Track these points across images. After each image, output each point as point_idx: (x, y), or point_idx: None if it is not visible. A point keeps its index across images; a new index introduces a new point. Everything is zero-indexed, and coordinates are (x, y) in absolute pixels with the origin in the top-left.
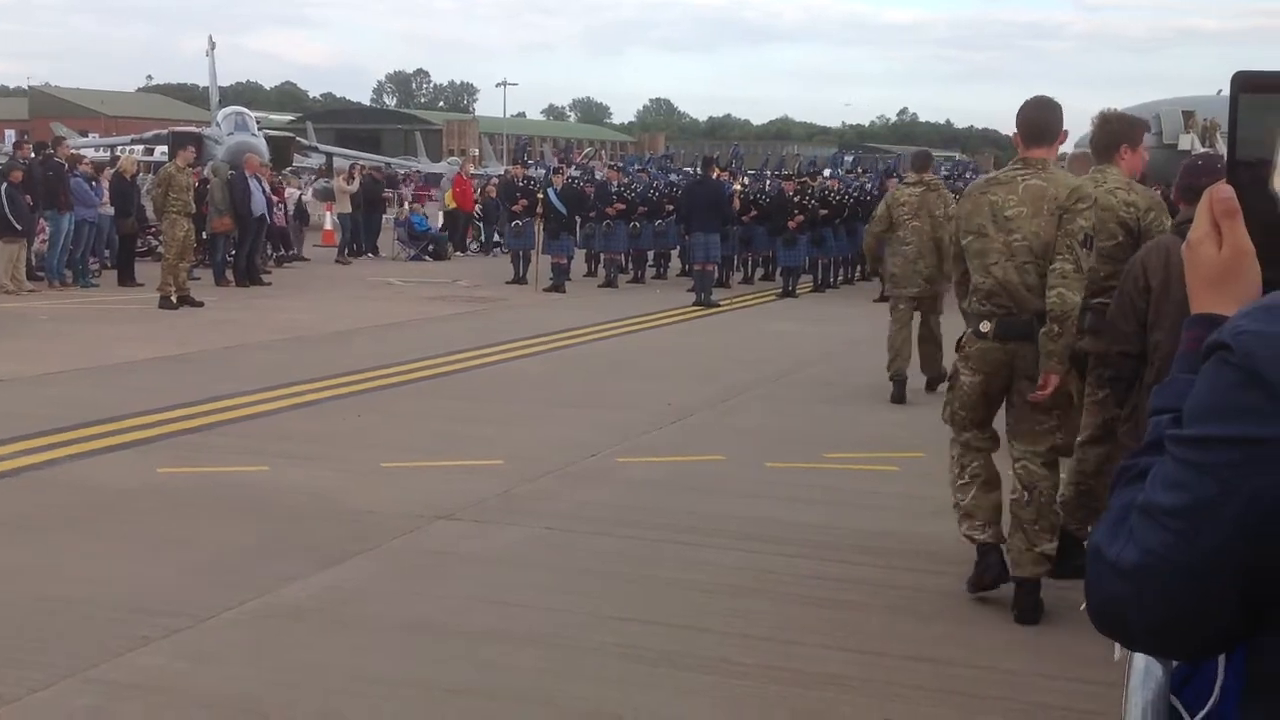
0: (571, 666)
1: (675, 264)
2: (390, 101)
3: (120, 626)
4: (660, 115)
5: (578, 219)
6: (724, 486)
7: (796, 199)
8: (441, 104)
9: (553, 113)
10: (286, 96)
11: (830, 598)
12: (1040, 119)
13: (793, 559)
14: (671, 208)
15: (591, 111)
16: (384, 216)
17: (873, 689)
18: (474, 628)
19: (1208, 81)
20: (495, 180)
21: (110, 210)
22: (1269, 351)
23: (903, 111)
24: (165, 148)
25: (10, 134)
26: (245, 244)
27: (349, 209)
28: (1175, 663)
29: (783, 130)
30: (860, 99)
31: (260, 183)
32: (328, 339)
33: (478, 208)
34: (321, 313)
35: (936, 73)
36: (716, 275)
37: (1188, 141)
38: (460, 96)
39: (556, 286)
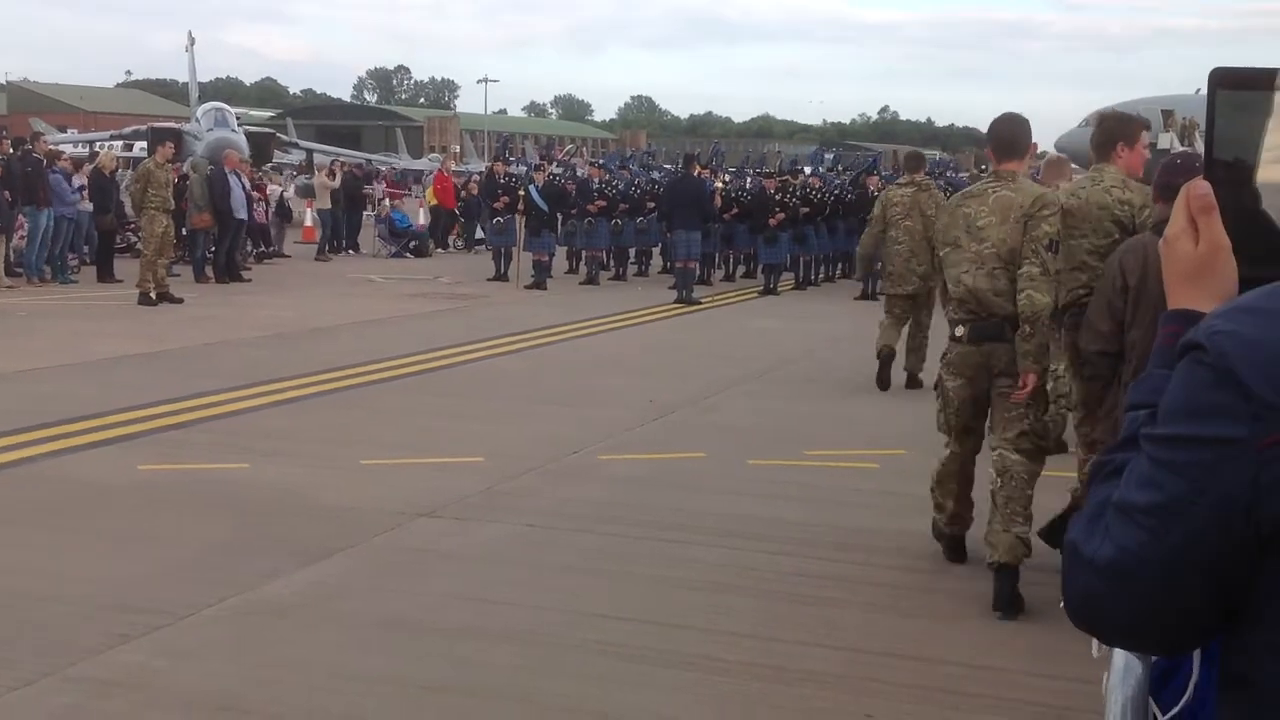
0: (551, 664)
1: (657, 261)
2: (371, 98)
3: (100, 624)
4: (642, 112)
5: (559, 216)
6: (705, 484)
7: (778, 196)
8: (422, 100)
9: (534, 110)
10: (266, 92)
11: (811, 594)
12: (1010, 135)
13: (774, 556)
14: (653, 205)
15: (573, 109)
16: (365, 213)
17: (854, 686)
18: (454, 625)
19: (1186, 81)
20: (476, 177)
21: (89, 206)
22: (1242, 352)
23: (884, 109)
24: (144, 144)
25: None
26: (225, 240)
27: (329, 205)
28: (1154, 659)
29: (764, 128)
30: (841, 97)
31: (240, 179)
32: (308, 336)
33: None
34: (302, 309)
35: (917, 71)
36: (698, 273)
37: (1166, 140)
38: (441, 93)
39: (538, 284)
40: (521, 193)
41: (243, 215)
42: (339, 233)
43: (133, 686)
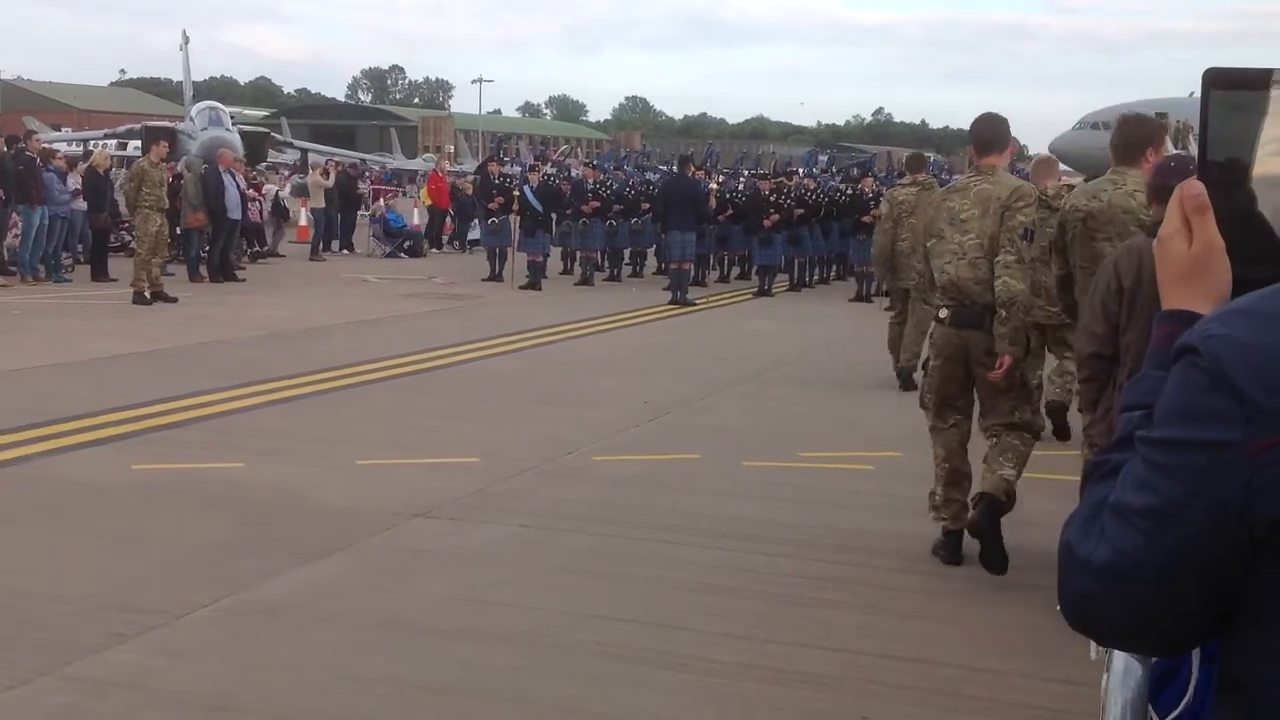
0: (549, 665)
1: (651, 262)
2: (365, 97)
3: (96, 623)
4: (636, 113)
5: (554, 217)
6: (701, 485)
7: (772, 198)
8: (417, 100)
9: (529, 110)
10: (261, 92)
11: (808, 596)
12: (990, 132)
13: (770, 558)
14: (648, 206)
15: (568, 109)
16: (359, 213)
17: (852, 687)
18: (450, 626)
19: (1179, 83)
20: (471, 177)
21: (83, 205)
22: (1236, 356)
23: (878, 111)
24: (138, 142)
25: None
26: (219, 240)
27: (324, 205)
28: (1155, 660)
29: (758, 129)
30: (835, 99)
31: (234, 178)
32: (303, 335)
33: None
34: (296, 309)
35: (912, 73)
36: (692, 274)
37: None
38: (436, 93)
39: (532, 284)
40: (516, 193)
41: (237, 215)
42: (333, 232)
43: (129, 686)
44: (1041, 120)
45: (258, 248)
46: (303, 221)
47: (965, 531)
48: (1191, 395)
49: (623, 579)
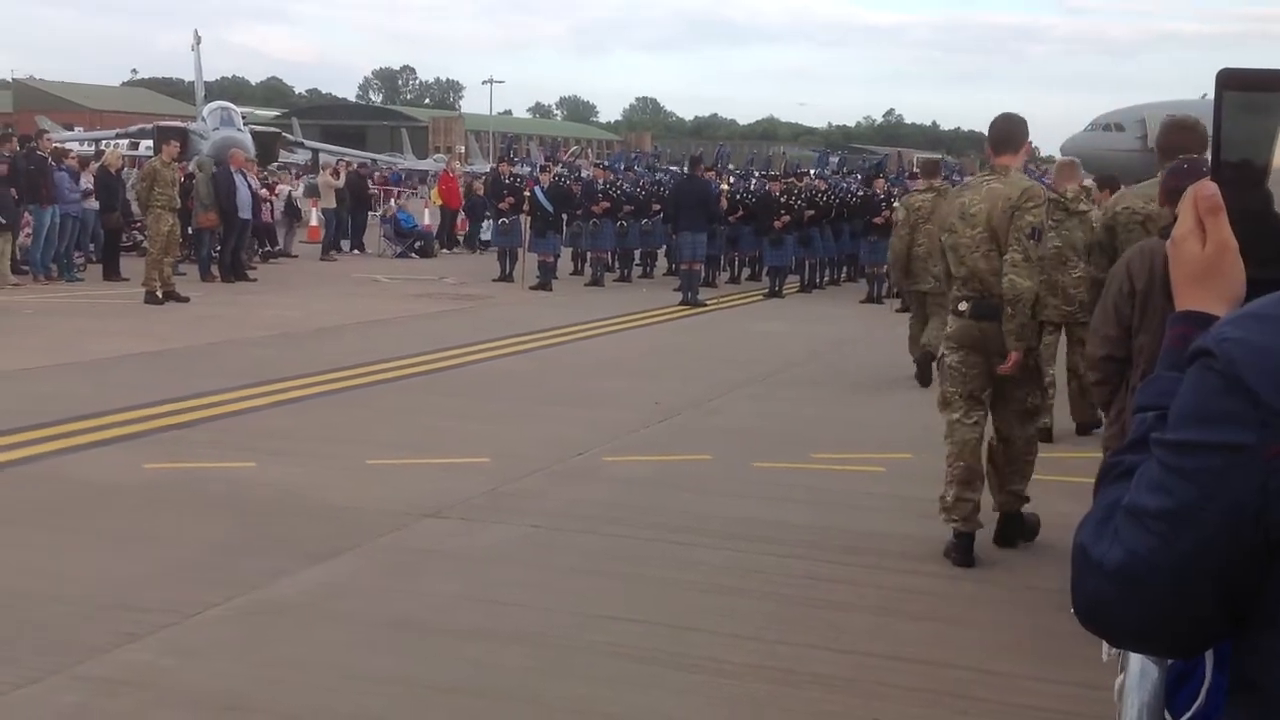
0: (560, 665)
1: (662, 263)
2: (376, 98)
3: (107, 623)
4: (646, 114)
5: (564, 217)
6: (711, 486)
7: (783, 199)
8: (427, 101)
9: (539, 111)
10: (272, 92)
11: (818, 597)
12: (1006, 131)
13: (781, 559)
14: (658, 207)
15: (578, 110)
16: (370, 214)
17: (861, 689)
18: (461, 626)
19: (1186, 84)
20: (480, 177)
21: (95, 205)
22: (1251, 359)
23: (889, 113)
24: (150, 142)
25: None
26: (230, 239)
27: (334, 205)
28: (1170, 662)
29: (769, 130)
30: (846, 100)
31: (246, 178)
32: (313, 335)
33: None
34: (307, 309)
35: (923, 74)
36: (703, 275)
37: None
38: (446, 94)
39: (543, 285)
40: (527, 193)
41: (248, 215)
42: (344, 232)
43: (140, 685)
44: (1051, 122)
45: (269, 247)
46: (314, 222)
47: (975, 535)
48: (1206, 398)
49: (634, 580)
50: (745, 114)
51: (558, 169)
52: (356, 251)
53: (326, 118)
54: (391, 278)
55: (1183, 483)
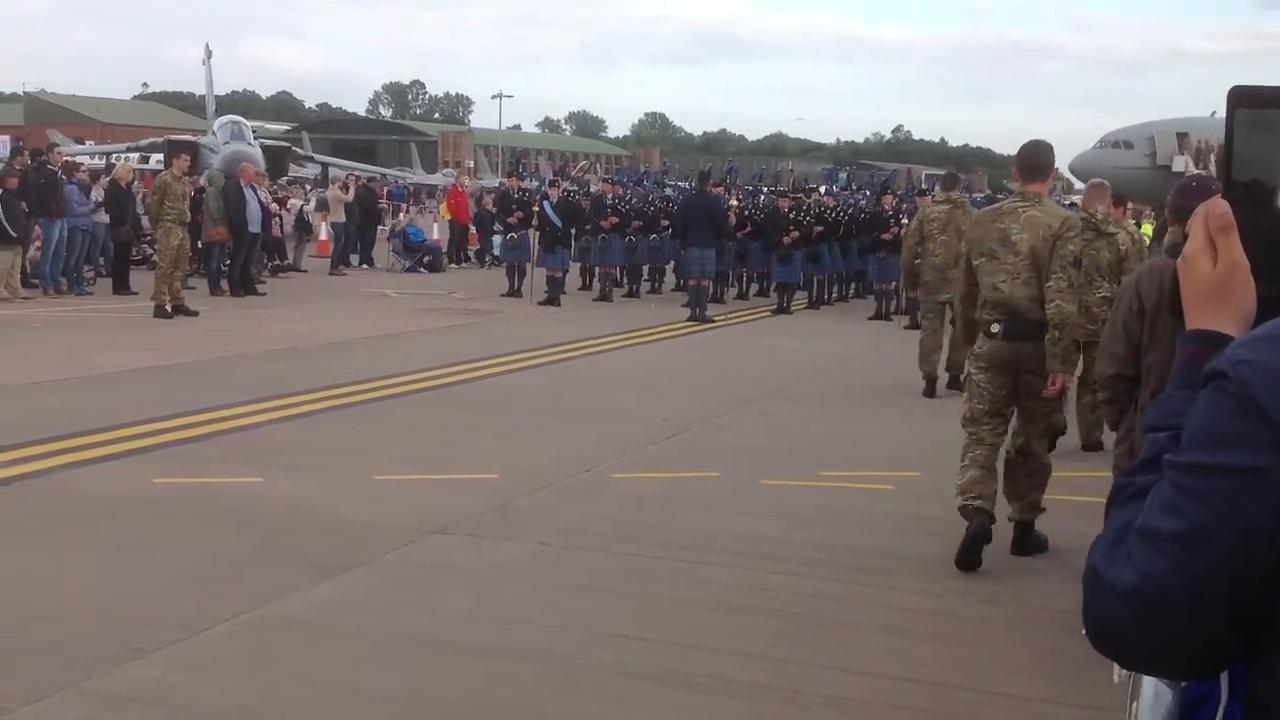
0: (568, 683)
1: (670, 279)
2: (386, 112)
3: (115, 638)
4: (655, 129)
5: (573, 232)
6: (720, 503)
7: (791, 215)
8: (437, 115)
9: (548, 125)
10: (282, 106)
11: (827, 616)
12: (1035, 159)
13: (789, 577)
14: (667, 222)
15: (587, 125)
16: (379, 227)
17: (870, 710)
18: (469, 643)
19: (1196, 102)
20: (491, 192)
21: (105, 218)
22: (1266, 381)
23: (897, 128)
24: (161, 155)
25: (5, 140)
26: (240, 253)
27: (344, 219)
28: (1184, 685)
29: (777, 146)
30: (854, 115)
31: (256, 192)
32: (323, 350)
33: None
34: (316, 323)
35: (931, 91)
36: (711, 290)
37: (1181, 163)
38: (456, 108)
39: (551, 300)
40: (536, 208)
41: (257, 229)
42: (353, 247)
43: (148, 702)
44: (1061, 139)
45: (278, 261)
46: (323, 236)
47: (988, 533)
48: (1220, 420)
49: (642, 597)
50: (754, 129)
51: (566, 184)
52: (365, 266)
53: (336, 132)
54: (400, 292)
55: (1196, 505)
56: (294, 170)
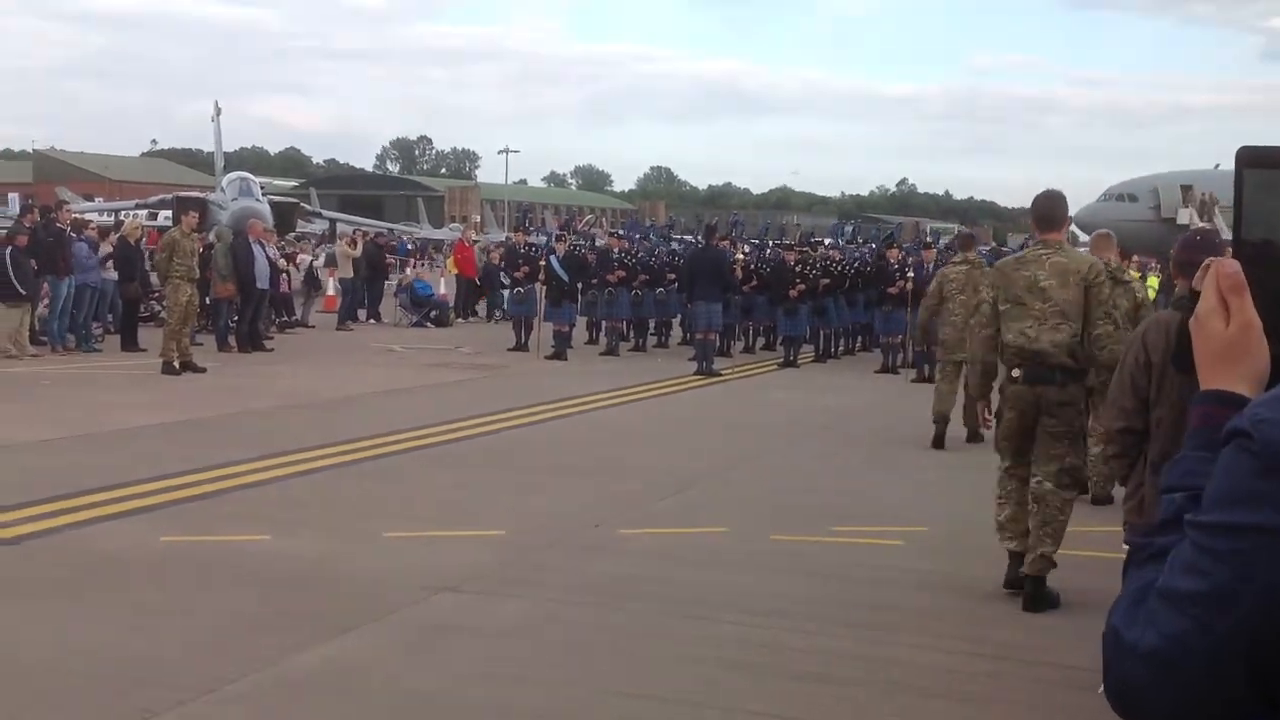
0: None
1: (677, 332)
2: (393, 168)
3: (123, 698)
4: (661, 183)
5: (579, 286)
6: (728, 559)
7: (798, 268)
8: (444, 170)
9: (554, 180)
10: (290, 162)
11: (836, 674)
12: (1051, 210)
13: (798, 634)
14: (673, 276)
15: (593, 179)
16: (386, 282)
17: None
18: (478, 702)
19: (1202, 154)
20: (497, 247)
21: (113, 274)
22: None
23: (902, 182)
24: (169, 212)
25: (14, 197)
26: (248, 310)
27: (351, 274)
28: None
29: (782, 199)
30: (859, 169)
31: (264, 248)
32: (330, 405)
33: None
34: (324, 379)
35: (935, 145)
36: (718, 344)
37: (1186, 215)
38: (463, 163)
39: (558, 354)
40: (542, 263)
41: (265, 285)
42: (360, 302)
43: None
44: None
45: (286, 317)
46: (330, 291)
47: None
48: (1242, 479)
49: (650, 656)
50: (758, 183)
51: (573, 238)
52: (373, 321)
53: (344, 187)
54: (407, 347)
55: (1218, 565)
56: (302, 226)
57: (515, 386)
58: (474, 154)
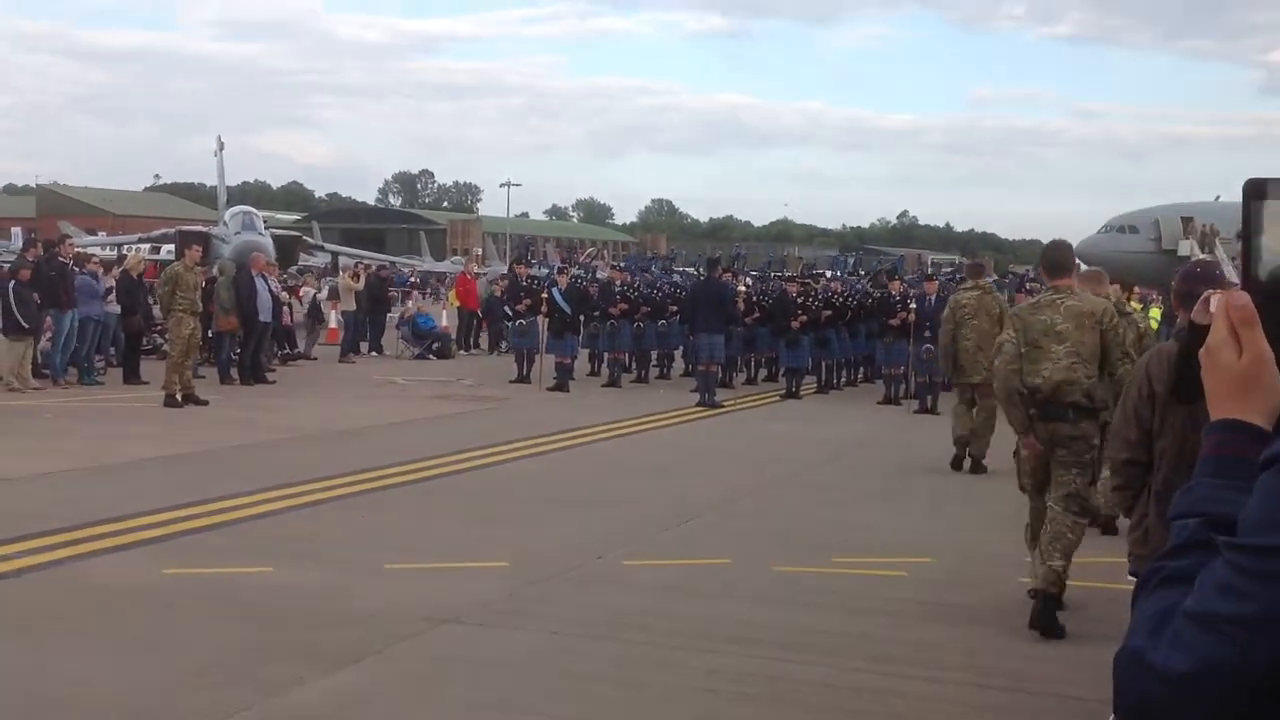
0: None
1: (679, 364)
2: (395, 201)
3: None
4: (662, 216)
5: (582, 318)
6: (731, 590)
7: (800, 300)
8: (446, 204)
9: (556, 213)
10: (293, 196)
11: (840, 706)
12: (1059, 258)
13: (801, 665)
14: (675, 308)
15: (594, 212)
16: (388, 315)
17: None
18: None
19: (1202, 186)
20: (501, 279)
21: (116, 308)
22: None
23: (902, 214)
24: (172, 246)
25: (18, 232)
26: (250, 342)
27: (354, 307)
28: None
29: (783, 232)
30: (860, 201)
31: (266, 281)
32: (332, 438)
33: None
34: (326, 412)
35: (935, 177)
36: (720, 375)
37: (1187, 247)
38: (464, 196)
39: (560, 386)
40: (545, 295)
41: (268, 318)
42: (362, 334)
43: None
44: (1064, 223)
45: (288, 350)
46: (332, 324)
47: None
48: None
49: (653, 687)
50: (760, 215)
51: (575, 270)
52: (375, 353)
53: (346, 221)
54: (409, 379)
55: (1263, 587)
56: (304, 259)
57: (517, 418)
58: (476, 187)
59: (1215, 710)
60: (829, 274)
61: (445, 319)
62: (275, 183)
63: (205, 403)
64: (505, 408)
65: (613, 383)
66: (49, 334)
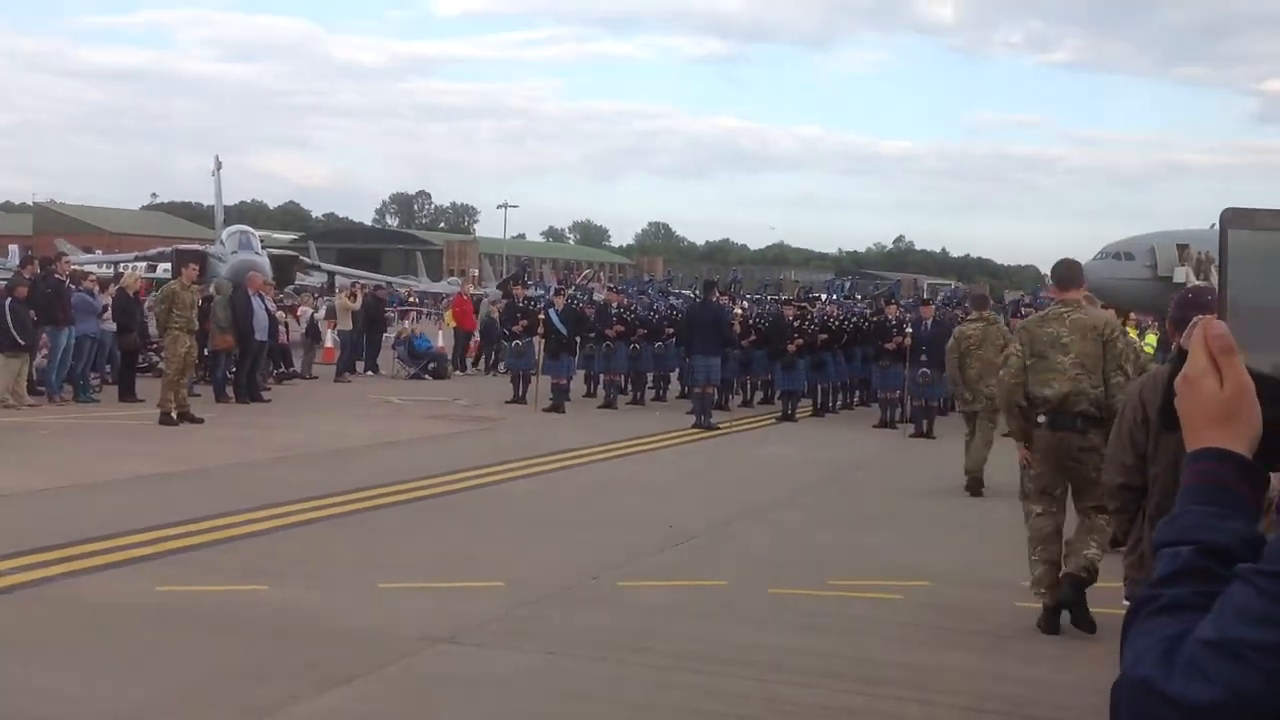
0: None
1: (674, 386)
2: (392, 222)
3: None
4: (659, 239)
5: (578, 340)
6: (727, 612)
7: (796, 323)
8: (442, 225)
9: (552, 234)
10: (290, 216)
11: None
12: (1069, 273)
13: (797, 688)
14: (671, 330)
15: (591, 234)
16: (384, 335)
17: None
18: None
19: (1197, 213)
20: (497, 301)
21: (111, 326)
22: None
23: (899, 239)
24: (169, 264)
25: (14, 249)
26: (246, 361)
27: (350, 327)
28: None
29: (779, 255)
30: (856, 226)
31: (263, 300)
32: (327, 457)
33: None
34: (321, 431)
35: (932, 202)
36: (716, 398)
37: (1182, 274)
38: (461, 217)
39: (556, 407)
40: (541, 316)
41: (264, 337)
42: (358, 353)
43: None
44: (1061, 249)
45: (284, 369)
46: (329, 343)
47: (1060, 607)
48: None
49: (650, 709)
50: (756, 239)
51: (571, 291)
52: (370, 373)
53: (343, 241)
54: (405, 399)
55: None
56: (300, 279)
57: (513, 439)
58: (472, 209)
59: None
60: (824, 297)
61: (441, 339)
62: (272, 202)
63: (200, 421)
64: (500, 428)
65: (608, 404)
66: (45, 351)
